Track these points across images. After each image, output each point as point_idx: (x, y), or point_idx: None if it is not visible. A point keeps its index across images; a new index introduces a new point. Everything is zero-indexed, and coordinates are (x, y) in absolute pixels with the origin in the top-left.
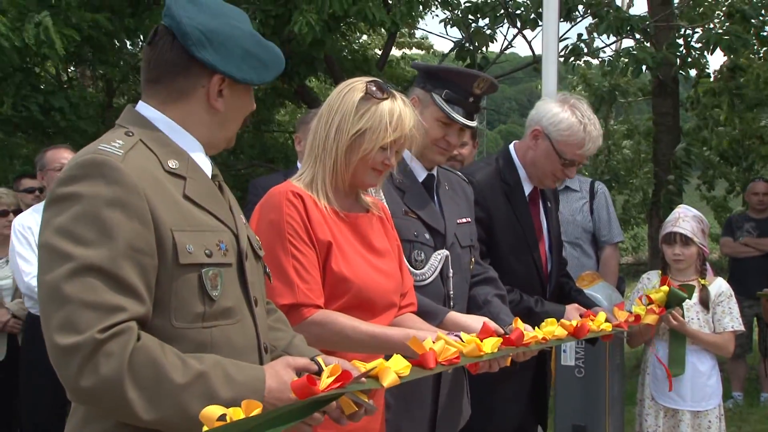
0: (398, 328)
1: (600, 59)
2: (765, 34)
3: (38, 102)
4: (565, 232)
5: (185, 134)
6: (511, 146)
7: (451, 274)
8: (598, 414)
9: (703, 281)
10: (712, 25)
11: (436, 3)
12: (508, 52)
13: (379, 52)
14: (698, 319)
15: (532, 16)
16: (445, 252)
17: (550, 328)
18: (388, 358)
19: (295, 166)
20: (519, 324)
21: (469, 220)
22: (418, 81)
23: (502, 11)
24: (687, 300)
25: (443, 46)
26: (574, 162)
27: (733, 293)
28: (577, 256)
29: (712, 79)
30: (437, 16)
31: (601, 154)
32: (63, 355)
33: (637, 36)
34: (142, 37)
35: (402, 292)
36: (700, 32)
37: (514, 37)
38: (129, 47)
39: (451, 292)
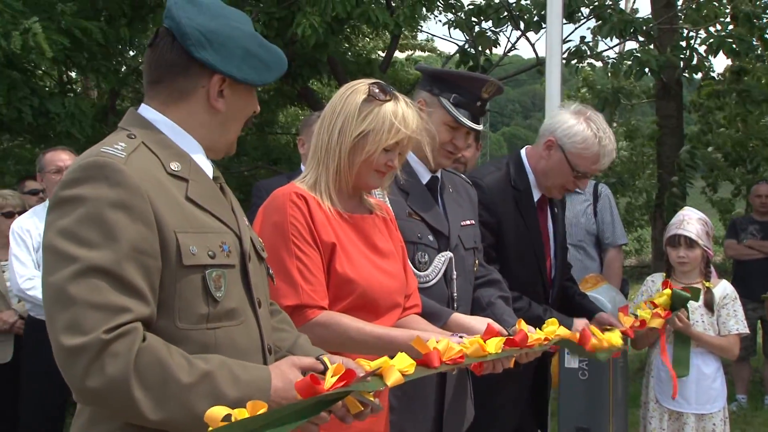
0: (402, 329)
1: (603, 61)
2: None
3: (33, 105)
4: (568, 235)
5: (186, 136)
6: (523, 152)
7: (454, 276)
8: (602, 416)
9: (707, 284)
10: (714, 29)
11: (440, 5)
12: (511, 54)
13: (383, 55)
14: (703, 321)
15: (536, 18)
16: (448, 254)
17: (552, 328)
18: (392, 358)
19: (298, 168)
20: (523, 325)
21: (473, 222)
22: (423, 84)
23: (506, 13)
24: (692, 301)
25: (446, 48)
26: (586, 174)
27: (737, 296)
28: (581, 258)
29: (716, 81)
30: (440, 21)
31: None
32: (69, 356)
33: (641, 38)
34: (143, 40)
35: (406, 294)
36: (704, 35)
37: (518, 39)
38: (130, 53)
39: (455, 294)
